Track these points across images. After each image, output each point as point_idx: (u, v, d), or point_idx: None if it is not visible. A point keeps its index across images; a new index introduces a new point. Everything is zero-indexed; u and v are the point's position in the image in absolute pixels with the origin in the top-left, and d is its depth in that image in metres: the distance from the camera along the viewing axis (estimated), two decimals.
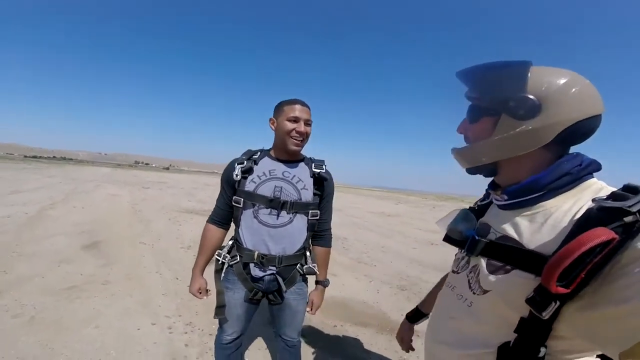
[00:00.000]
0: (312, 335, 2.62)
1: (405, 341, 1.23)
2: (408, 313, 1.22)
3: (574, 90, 0.62)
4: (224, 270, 1.52)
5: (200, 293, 1.55)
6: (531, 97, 0.63)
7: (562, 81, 0.62)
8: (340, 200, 16.88)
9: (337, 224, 8.46)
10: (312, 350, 2.39)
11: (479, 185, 0.89)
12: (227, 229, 1.59)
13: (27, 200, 8.22)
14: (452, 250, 0.87)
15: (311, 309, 1.62)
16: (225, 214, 1.54)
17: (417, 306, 1.20)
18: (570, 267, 0.50)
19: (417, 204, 18.72)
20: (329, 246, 1.65)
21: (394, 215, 12.31)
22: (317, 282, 1.64)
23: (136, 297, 3.02)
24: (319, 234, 1.60)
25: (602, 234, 0.48)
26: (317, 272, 1.57)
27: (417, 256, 5.71)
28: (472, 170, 0.77)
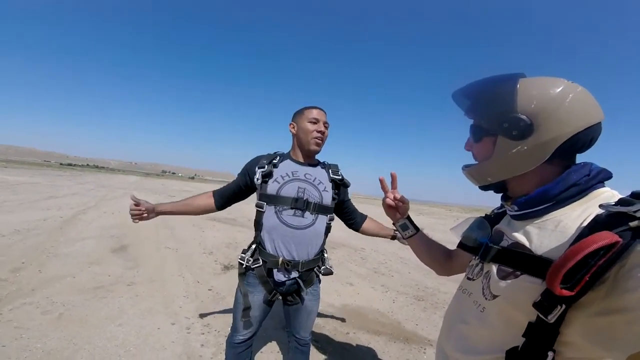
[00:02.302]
0: (325, 341, 2.65)
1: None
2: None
3: (565, 103, 0.62)
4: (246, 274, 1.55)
5: (136, 205, 1.51)
6: (522, 117, 0.64)
7: (552, 95, 0.62)
8: (360, 211, 16.78)
9: (354, 235, 8.31)
10: (324, 356, 2.41)
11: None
12: (217, 206, 1.63)
13: (62, 204, 8.71)
14: None
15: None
16: (226, 194, 1.63)
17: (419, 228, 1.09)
18: (574, 270, 0.50)
19: (441, 216, 18.33)
20: (367, 216, 1.82)
21: None
22: (394, 231, 1.77)
23: (158, 298, 3.15)
24: (355, 219, 1.78)
25: (605, 237, 0.48)
26: (334, 272, 1.66)
27: None
28: (482, 187, 0.80)
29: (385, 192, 1.07)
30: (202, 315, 2.84)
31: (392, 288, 4.24)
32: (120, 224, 6.81)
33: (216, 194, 1.64)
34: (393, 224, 1.11)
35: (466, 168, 0.81)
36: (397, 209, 1.06)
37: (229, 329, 1.74)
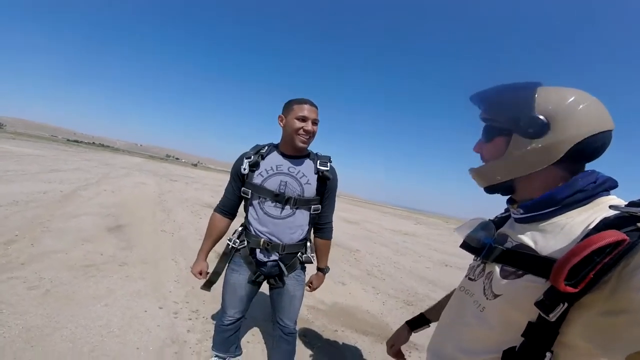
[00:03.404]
0: (312, 336, 2.64)
1: (395, 349, 1.17)
2: (410, 319, 1.19)
3: (580, 107, 0.64)
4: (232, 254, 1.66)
5: (201, 274, 1.68)
6: (540, 116, 0.66)
7: (569, 100, 0.64)
8: (358, 215, 16.80)
9: (351, 236, 8.46)
10: (310, 351, 2.41)
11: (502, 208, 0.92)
12: (231, 218, 1.71)
13: (63, 178, 8.75)
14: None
15: (310, 288, 1.76)
16: (231, 204, 1.66)
17: (422, 313, 1.17)
18: (579, 266, 0.51)
19: (438, 226, 18.34)
20: (329, 238, 1.75)
21: (410, 234, 12.14)
22: (318, 269, 1.78)
23: (149, 280, 3.14)
24: (321, 226, 1.71)
25: (612, 235, 0.49)
26: (313, 262, 1.69)
27: (429, 275, 5.61)
28: (489, 190, 0.80)
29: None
30: (190, 301, 2.83)
31: (383, 291, 4.23)
32: (119, 203, 6.83)
33: (222, 210, 1.69)
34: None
35: (474, 169, 0.81)
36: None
37: (217, 315, 1.76)
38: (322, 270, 1.78)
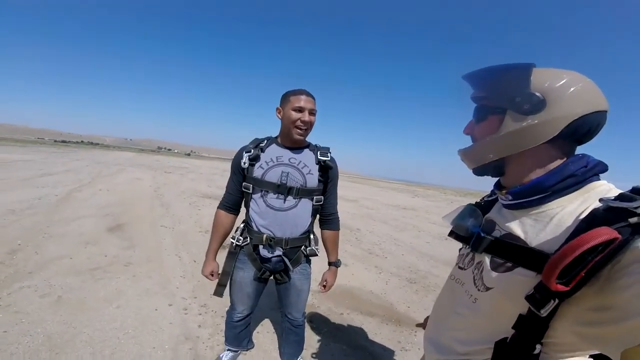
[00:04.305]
0: (318, 321, 2.72)
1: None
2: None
3: (576, 86, 0.63)
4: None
5: (212, 275, 1.68)
6: (536, 93, 0.64)
7: (565, 79, 0.64)
8: (355, 192, 16.86)
9: (351, 215, 8.54)
10: (317, 336, 2.49)
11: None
12: (236, 214, 1.70)
13: (56, 182, 8.64)
14: None
15: (325, 288, 1.75)
16: (235, 199, 1.65)
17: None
18: (571, 265, 0.51)
19: (435, 198, 18.49)
20: (337, 229, 1.75)
21: (409, 208, 12.22)
22: (329, 264, 1.76)
23: (156, 278, 3.20)
24: (327, 218, 1.72)
25: (604, 233, 0.49)
26: (318, 255, 1.69)
27: (430, 250, 5.72)
28: (478, 171, 0.78)
29: None
30: (199, 296, 2.90)
31: (385, 270, 4.33)
32: (116, 202, 6.81)
33: (226, 206, 1.67)
34: None
35: (463, 150, 0.80)
36: None
37: (226, 309, 1.79)
38: (334, 263, 1.75)
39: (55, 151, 27.47)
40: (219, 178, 16.01)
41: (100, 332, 2.21)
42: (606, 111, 0.65)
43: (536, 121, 0.64)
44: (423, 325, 1.17)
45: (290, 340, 1.83)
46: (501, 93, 0.71)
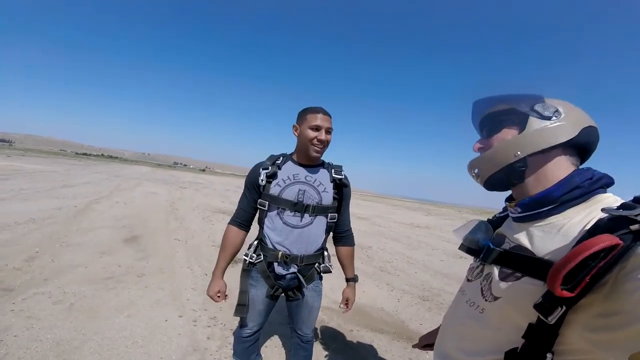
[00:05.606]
0: (328, 337, 2.68)
1: (421, 344, 1.16)
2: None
3: (574, 107, 0.73)
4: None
5: (219, 296, 1.60)
6: (551, 105, 0.72)
7: (567, 102, 0.73)
8: (368, 210, 16.77)
9: (362, 233, 8.46)
10: (326, 352, 2.45)
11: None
12: (247, 231, 1.68)
13: (76, 193, 8.93)
14: None
15: (347, 306, 1.71)
16: (247, 216, 1.63)
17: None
18: (575, 271, 0.51)
19: (449, 217, 18.20)
20: (353, 244, 1.75)
21: (423, 226, 12.07)
22: (347, 280, 1.73)
23: (167, 289, 3.22)
24: (341, 234, 1.71)
25: (606, 240, 0.50)
26: (332, 271, 1.66)
27: (444, 268, 5.60)
28: (489, 183, 0.80)
29: None
30: (208, 309, 2.90)
31: (397, 287, 4.25)
32: (132, 214, 6.96)
33: (238, 222, 1.63)
34: None
35: (479, 156, 0.81)
36: None
37: (235, 322, 1.78)
38: (353, 279, 1.72)
39: (76, 163, 28.41)
40: (232, 194, 16.20)
41: (109, 341, 2.23)
42: (597, 128, 0.72)
43: (557, 123, 0.70)
44: (418, 345, 1.18)
45: (299, 356, 1.80)
46: (524, 103, 0.75)
